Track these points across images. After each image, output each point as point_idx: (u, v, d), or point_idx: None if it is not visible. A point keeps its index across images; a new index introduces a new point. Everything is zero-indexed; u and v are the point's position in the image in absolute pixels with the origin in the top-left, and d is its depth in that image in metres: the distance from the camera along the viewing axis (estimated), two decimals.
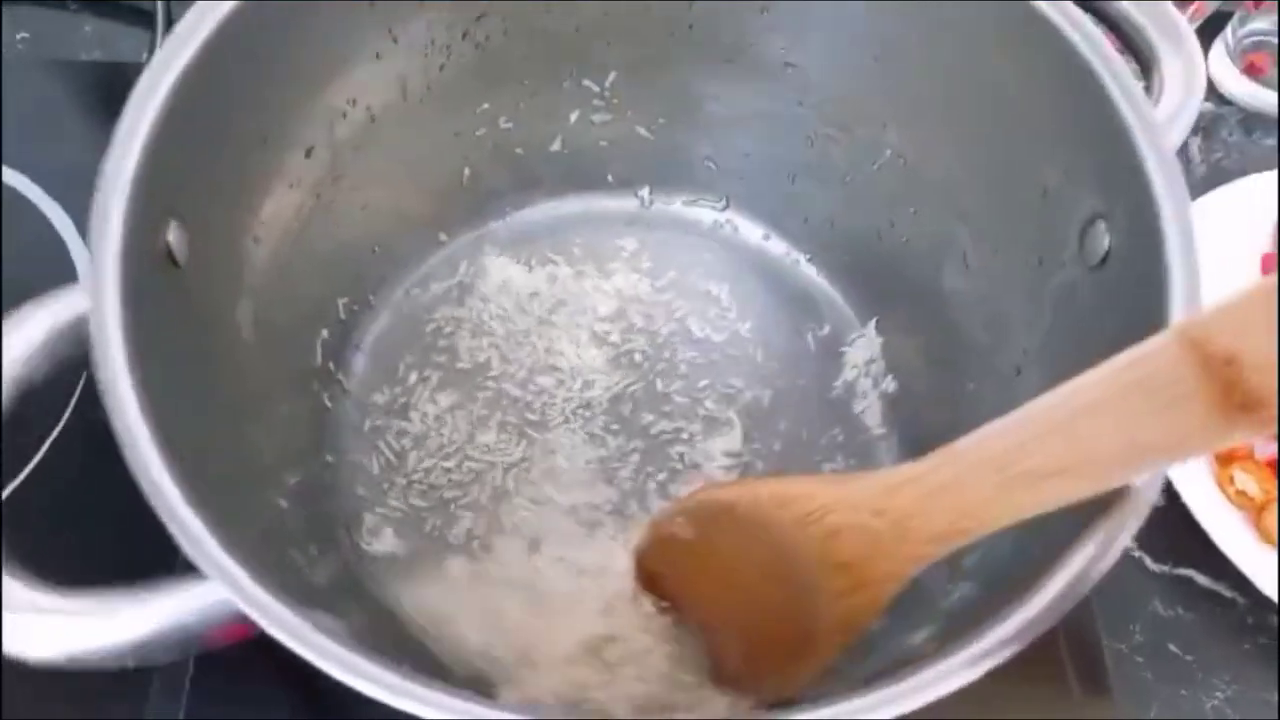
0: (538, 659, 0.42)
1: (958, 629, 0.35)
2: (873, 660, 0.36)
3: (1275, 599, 0.47)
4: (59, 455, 0.47)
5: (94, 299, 0.29)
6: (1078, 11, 0.38)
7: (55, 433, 0.48)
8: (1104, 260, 0.37)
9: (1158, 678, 0.48)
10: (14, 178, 0.55)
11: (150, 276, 0.32)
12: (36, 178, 0.55)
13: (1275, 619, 0.49)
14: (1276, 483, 0.50)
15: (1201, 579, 0.50)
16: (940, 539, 0.30)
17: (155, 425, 0.29)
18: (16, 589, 0.26)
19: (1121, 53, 0.39)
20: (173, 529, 0.26)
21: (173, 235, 0.34)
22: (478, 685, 0.43)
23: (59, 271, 0.52)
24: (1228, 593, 0.50)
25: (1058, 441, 0.28)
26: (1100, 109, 0.37)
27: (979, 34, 0.41)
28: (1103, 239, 0.37)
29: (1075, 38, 0.37)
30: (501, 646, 0.43)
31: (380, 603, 0.45)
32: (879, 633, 0.41)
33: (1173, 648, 0.49)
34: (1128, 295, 0.36)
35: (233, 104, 0.37)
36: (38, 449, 0.47)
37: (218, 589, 0.26)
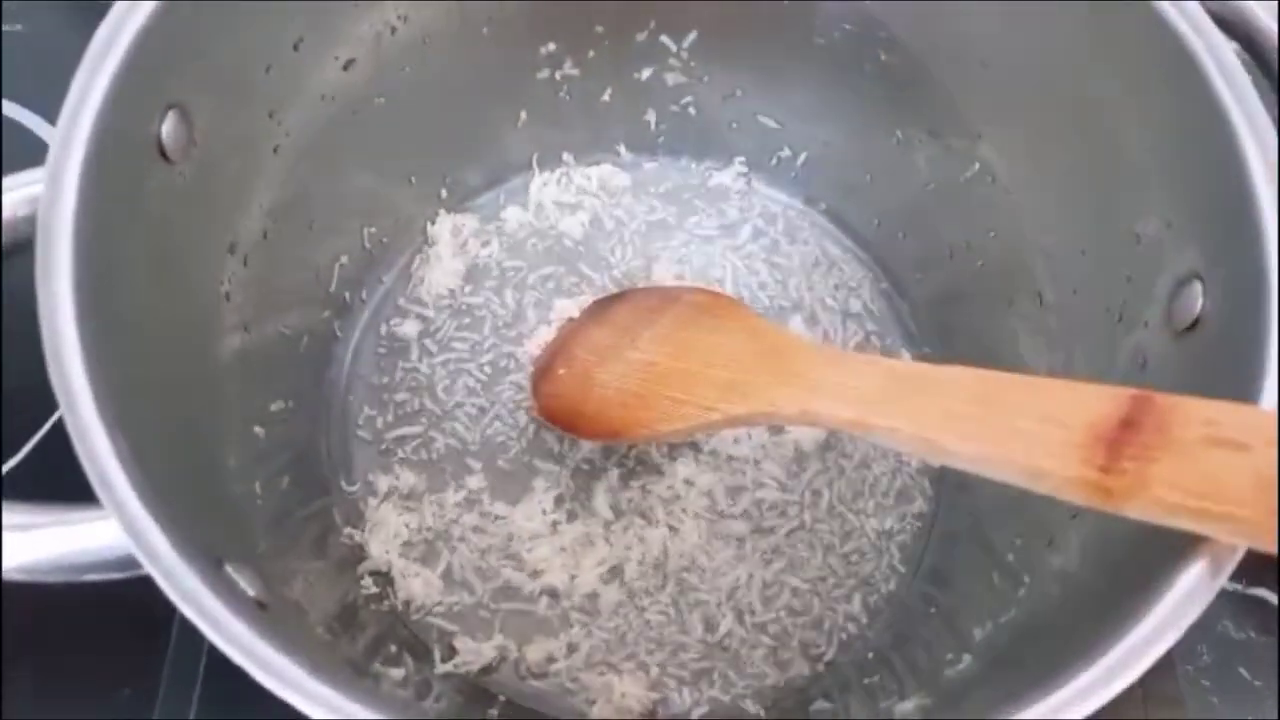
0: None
1: (948, 702, 0.32)
2: None
3: None
4: None
5: (50, 176, 0.27)
6: (1219, 38, 0.32)
7: None
8: (1193, 325, 0.32)
9: (1224, 702, 0.44)
10: (15, 111, 0.52)
11: (130, 165, 0.30)
12: (40, 112, 0.52)
13: None
14: None
15: (1275, 600, 0.45)
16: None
17: (90, 323, 0.26)
18: None
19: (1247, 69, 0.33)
20: (78, 446, 0.24)
21: (167, 125, 0.31)
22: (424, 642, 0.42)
23: None
24: (1260, 593, 0.45)
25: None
26: (1222, 154, 0.32)
27: (1100, 53, 0.36)
28: (1196, 301, 0.32)
29: (1209, 67, 0.32)
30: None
31: (348, 544, 0.43)
32: (867, 690, 0.38)
33: (1242, 671, 0.44)
34: (1213, 369, 0.31)
35: None
36: None
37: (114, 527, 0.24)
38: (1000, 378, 0.31)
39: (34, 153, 0.31)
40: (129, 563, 0.25)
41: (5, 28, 0.55)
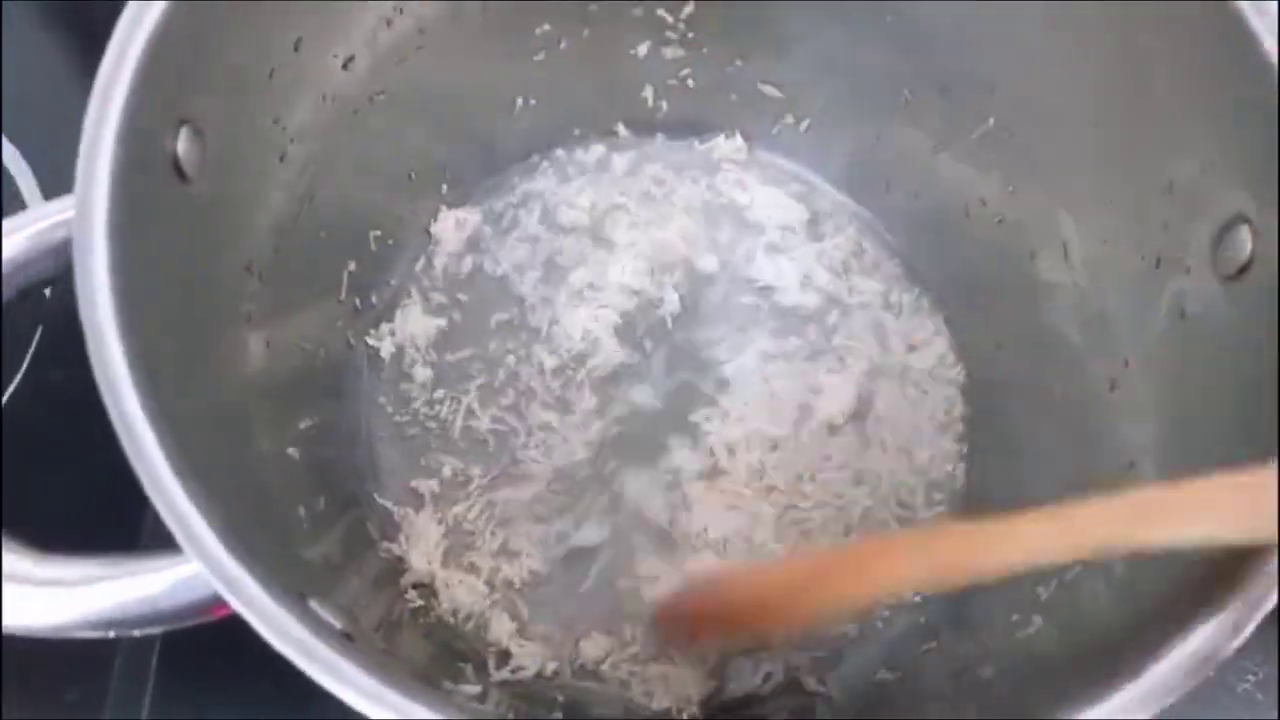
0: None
1: (1030, 670, 0.32)
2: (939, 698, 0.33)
3: None
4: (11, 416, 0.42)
5: (80, 210, 0.25)
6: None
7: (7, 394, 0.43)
8: (1244, 269, 0.32)
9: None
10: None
11: (152, 190, 0.28)
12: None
13: None
14: None
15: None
16: None
17: (140, 364, 0.25)
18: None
19: None
20: (156, 500, 0.23)
21: (182, 144, 0.30)
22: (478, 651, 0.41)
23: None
24: None
25: None
26: (1261, 88, 0.31)
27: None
28: (1245, 245, 0.32)
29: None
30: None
31: (386, 558, 0.42)
32: (931, 658, 0.38)
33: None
34: (1266, 313, 0.31)
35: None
36: None
37: (197, 569, 0.22)
38: None
39: None
40: (204, 609, 0.24)
41: None
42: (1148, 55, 0.35)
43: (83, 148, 0.26)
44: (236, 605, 0.22)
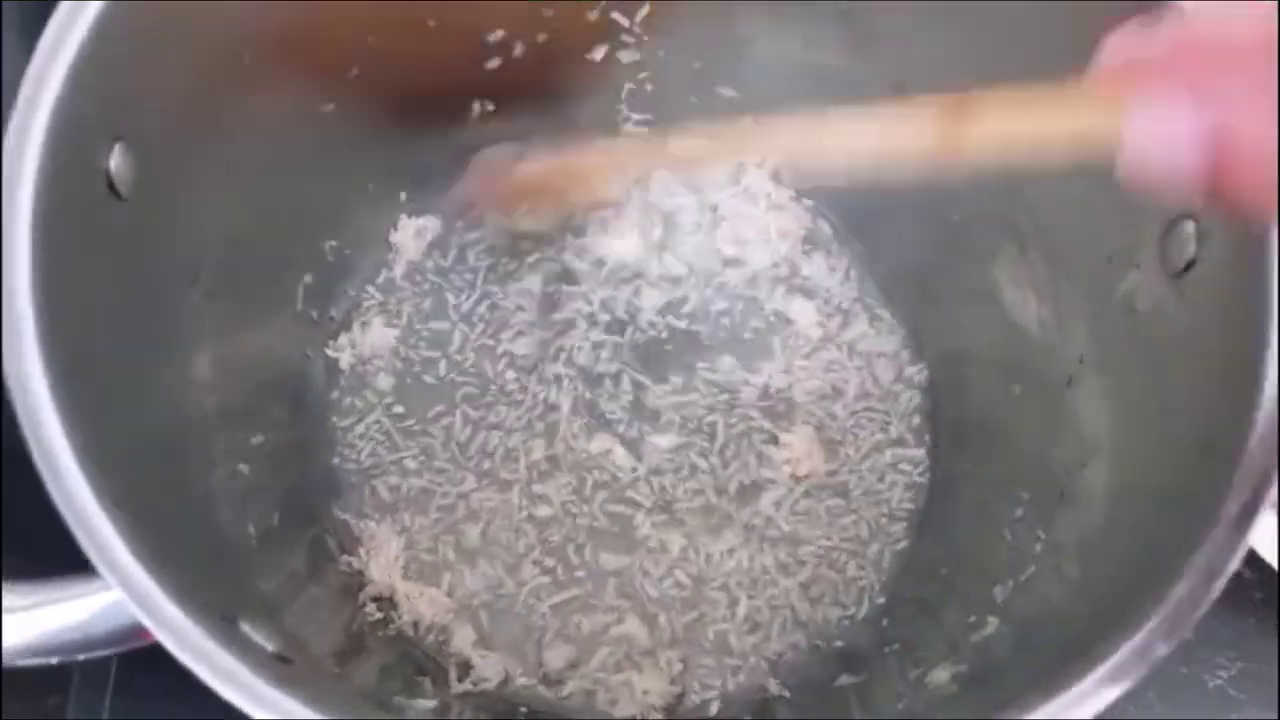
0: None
1: (985, 671, 0.32)
2: (898, 699, 0.33)
3: None
4: None
5: (2, 224, 0.25)
6: None
7: None
8: (1188, 267, 0.32)
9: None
10: None
11: (82, 210, 0.28)
12: None
13: None
14: None
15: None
16: None
17: (66, 387, 0.24)
18: None
19: None
20: (70, 522, 0.22)
21: (115, 161, 0.29)
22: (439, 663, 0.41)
23: None
24: None
25: None
26: None
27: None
28: (1189, 243, 0.32)
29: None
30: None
31: (346, 572, 0.42)
32: (891, 660, 0.38)
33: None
34: (1214, 309, 0.31)
35: (194, 10, 0.32)
36: None
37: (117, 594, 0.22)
38: None
39: None
40: (133, 634, 0.24)
41: None
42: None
43: (4, 162, 0.26)
44: (154, 630, 0.22)
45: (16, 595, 0.23)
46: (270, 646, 0.25)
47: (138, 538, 0.23)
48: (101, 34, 0.28)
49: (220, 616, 0.24)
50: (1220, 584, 0.24)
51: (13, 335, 0.24)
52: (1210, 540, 0.25)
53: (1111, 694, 0.23)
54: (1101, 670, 0.24)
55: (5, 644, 0.23)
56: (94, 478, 0.23)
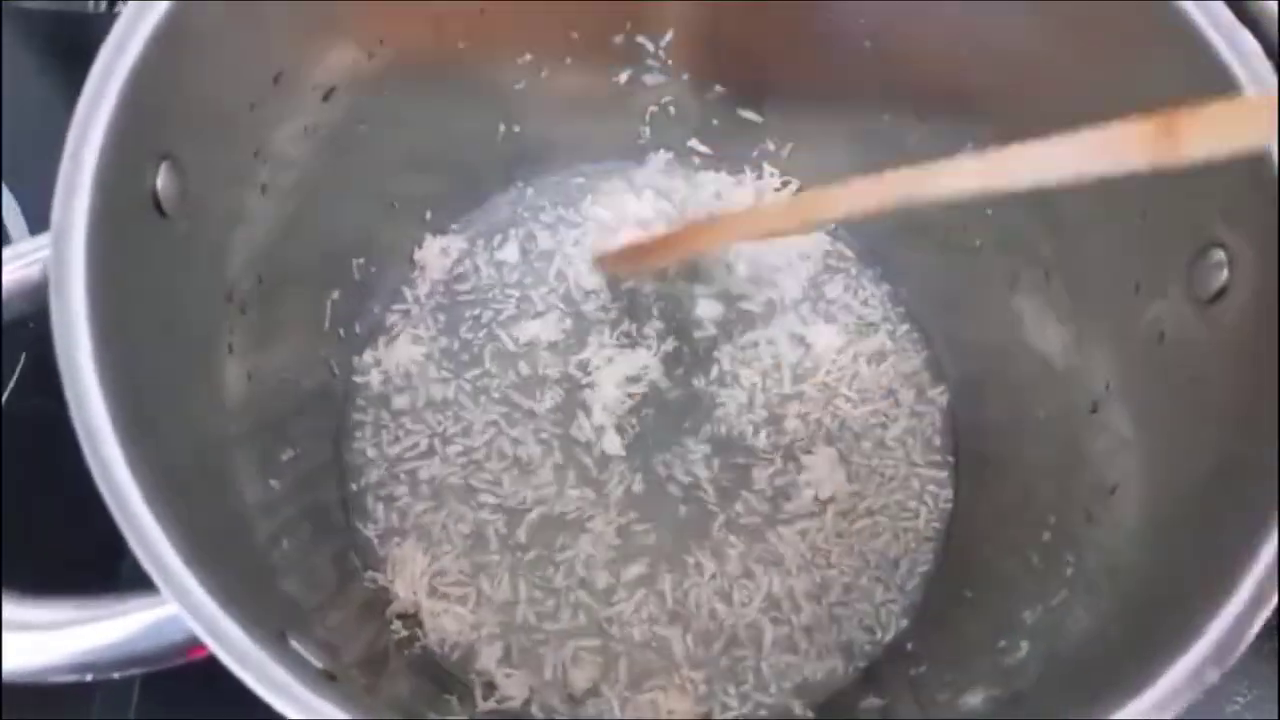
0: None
1: (1018, 694, 0.32)
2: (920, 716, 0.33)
3: None
4: None
5: (56, 249, 0.25)
6: (1222, 9, 0.32)
7: None
8: (1219, 295, 0.32)
9: None
10: None
11: (131, 227, 0.28)
12: None
13: None
14: None
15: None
16: None
17: (118, 402, 0.25)
18: None
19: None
20: (132, 541, 0.23)
21: (161, 180, 0.30)
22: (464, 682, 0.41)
23: None
24: None
25: None
26: None
27: (1102, 27, 0.35)
28: (1219, 271, 0.32)
29: (1214, 37, 0.32)
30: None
31: (371, 588, 0.42)
32: (917, 683, 0.38)
33: None
34: (1245, 338, 0.31)
35: (238, 34, 0.32)
36: None
37: (174, 610, 0.22)
38: None
39: None
40: (184, 649, 0.24)
41: None
42: (1123, 81, 0.35)
43: (59, 185, 0.26)
44: (215, 648, 0.22)
45: (67, 610, 0.23)
46: (318, 663, 0.25)
47: (190, 554, 0.23)
48: (153, 54, 0.29)
49: (269, 631, 0.24)
50: (1268, 610, 0.25)
51: (68, 353, 0.24)
52: (1253, 566, 0.25)
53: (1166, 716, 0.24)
54: (1146, 699, 0.24)
55: (51, 660, 0.23)
56: (148, 493, 0.23)
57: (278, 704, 0.22)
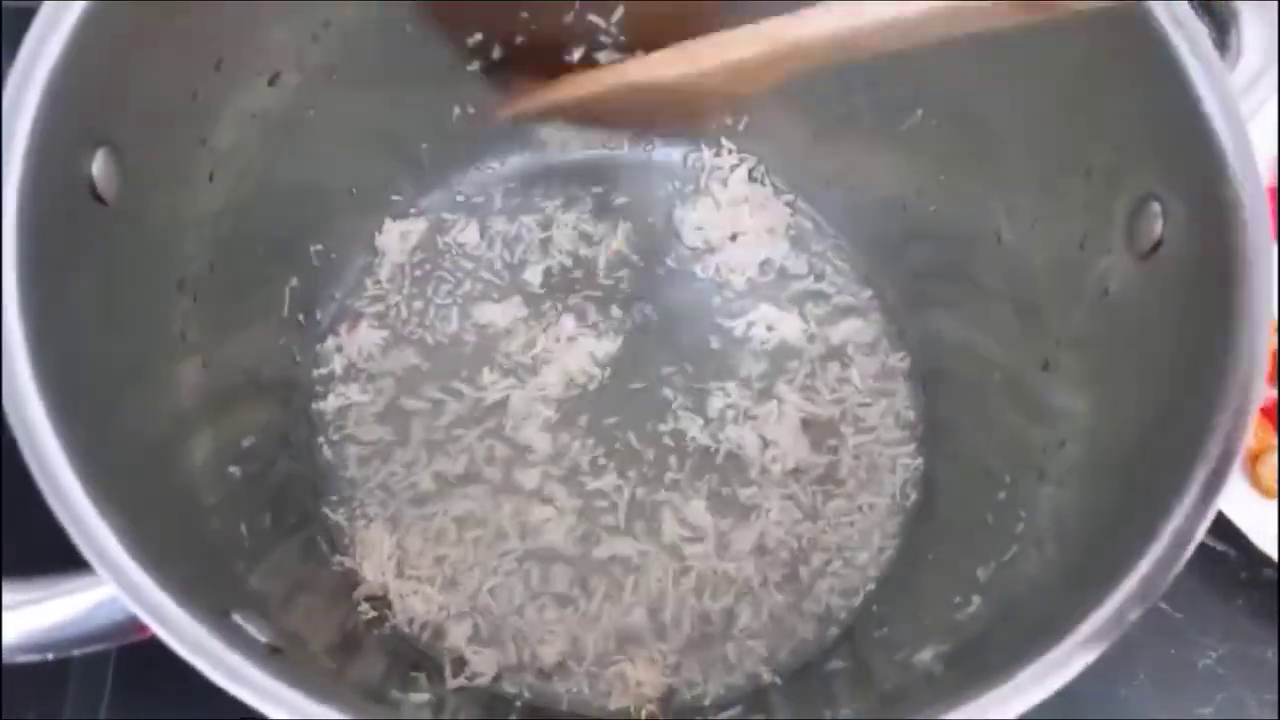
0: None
1: (967, 647, 0.32)
2: (885, 681, 0.33)
3: (1272, 553, 0.43)
4: None
5: None
6: None
7: None
8: (1155, 247, 0.33)
9: (1146, 635, 0.44)
10: None
11: (66, 215, 0.28)
12: None
13: (1272, 574, 0.45)
14: (1275, 430, 0.47)
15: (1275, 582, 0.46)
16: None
17: (56, 390, 0.25)
18: None
19: (1195, 10, 0.34)
20: (64, 519, 0.23)
21: (98, 166, 0.30)
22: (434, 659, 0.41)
23: None
24: (1220, 547, 0.46)
25: None
26: (1165, 72, 0.32)
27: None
28: (1155, 222, 0.33)
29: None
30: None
31: (339, 571, 0.42)
32: (880, 644, 0.39)
33: (1162, 604, 0.45)
34: (1183, 288, 0.32)
35: (172, 20, 0.32)
36: None
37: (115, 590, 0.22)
38: None
39: None
40: (129, 629, 0.24)
41: None
42: (1058, 43, 0.36)
43: None
44: (149, 620, 0.22)
45: (14, 592, 0.24)
46: (263, 638, 0.25)
47: (131, 535, 0.24)
48: (81, 39, 0.29)
49: (213, 609, 0.24)
50: (1191, 549, 0.25)
51: (4, 342, 0.24)
52: (1179, 508, 0.26)
53: (1087, 658, 0.24)
54: (1077, 636, 0.24)
55: (5, 640, 0.24)
56: (86, 478, 0.24)
57: (218, 678, 0.22)
